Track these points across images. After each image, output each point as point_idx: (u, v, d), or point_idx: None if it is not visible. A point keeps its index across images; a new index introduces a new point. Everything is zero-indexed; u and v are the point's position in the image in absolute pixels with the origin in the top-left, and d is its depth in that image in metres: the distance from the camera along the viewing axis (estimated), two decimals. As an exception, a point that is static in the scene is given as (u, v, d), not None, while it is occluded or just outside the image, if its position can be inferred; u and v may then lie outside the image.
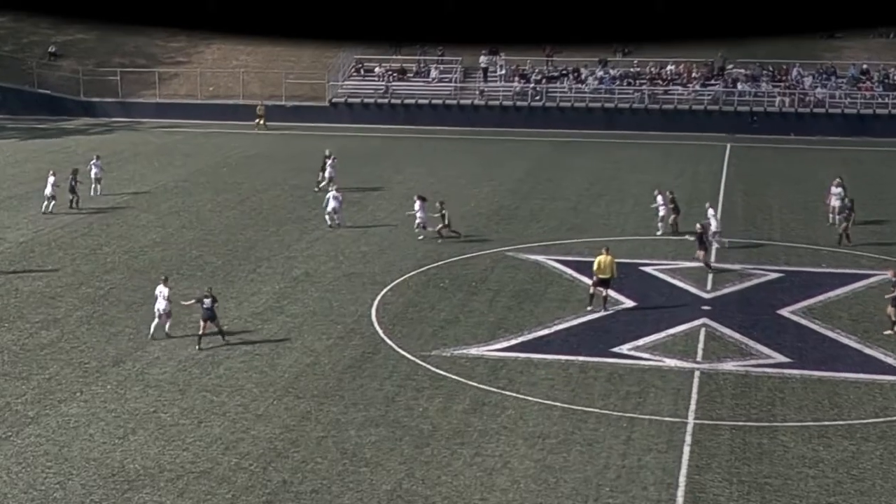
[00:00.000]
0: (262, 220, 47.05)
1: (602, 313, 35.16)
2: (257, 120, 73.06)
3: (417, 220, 44.37)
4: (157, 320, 33.00)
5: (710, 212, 43.82)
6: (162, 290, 33.23)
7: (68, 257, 41.83)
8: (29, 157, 62.97)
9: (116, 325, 34.13)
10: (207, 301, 32.41)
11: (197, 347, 31.90)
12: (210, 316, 32.23)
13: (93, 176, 52.28)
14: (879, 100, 72.66)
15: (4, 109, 77.50)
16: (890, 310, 33.46)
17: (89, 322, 34.45)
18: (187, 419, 27.15)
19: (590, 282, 37.23)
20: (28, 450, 25.47)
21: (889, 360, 31.31)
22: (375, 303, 36.33)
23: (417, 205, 44.70)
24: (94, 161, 52.93)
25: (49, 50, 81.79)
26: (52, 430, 26.48)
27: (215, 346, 32.12)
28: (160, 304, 33.00)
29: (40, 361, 31.04)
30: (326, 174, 52.42)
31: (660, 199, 45.89)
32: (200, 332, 32.18)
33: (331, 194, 46.74)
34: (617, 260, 40.48)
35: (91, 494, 23.33)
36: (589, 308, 35.43)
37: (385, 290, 37.65)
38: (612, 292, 37.06)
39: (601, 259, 35.87)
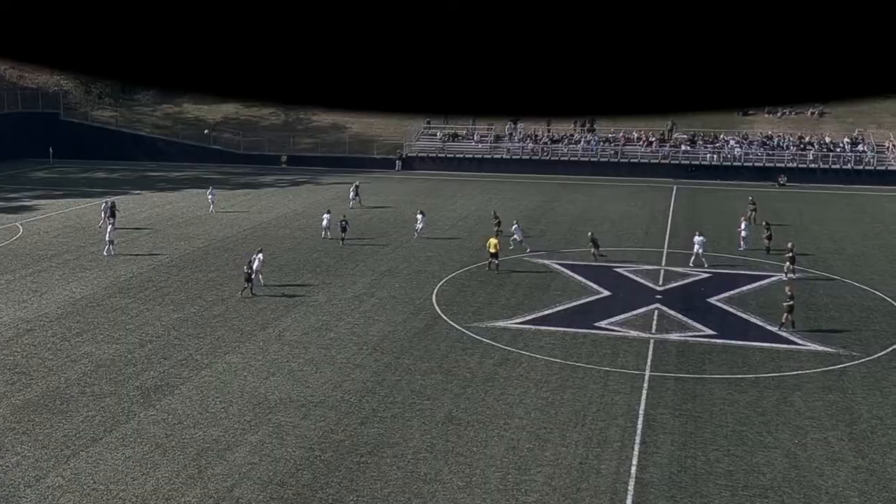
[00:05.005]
0: (359, 234, 47.28)
1: (493, 270, 37.61)
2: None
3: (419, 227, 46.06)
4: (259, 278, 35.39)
5: (515, 226, 43.48)
6: (258, 256, 36.02)
7: (231, 257, 42.22)
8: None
9: (262, 302, 34.37)
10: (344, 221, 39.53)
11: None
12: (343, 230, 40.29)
13: (211, 199, 54.41)
14: (778, 156, 71.80)
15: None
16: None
17: (244, 300, 34.69)
18: (309, 367, 27.35)
19: (579, 278, 37.27)
20: (204, 385, 25.78)
21: (783, 334, 30.97)
22: (435, 291, 36.39)
23: (420, 217, 46.51)
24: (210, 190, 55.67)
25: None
26: (220, 373, 26.78)
27: (327, 319, 32.34)
28: (255, 265, 35.37)
29: (212, 326, 31.39)
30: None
31: (515, 226, 43.17)
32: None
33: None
34: (598, 263, 40.63)
35: (244, 415, 23.58)
36: (487, 269, 38.07)
37: (441, 282, 37.72)
38: (592, 284, 37.06)
39: (490, 240, 39.10)
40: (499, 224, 45.21)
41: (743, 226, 44.17)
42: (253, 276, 35.33)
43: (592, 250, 41.16)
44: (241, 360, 27.88)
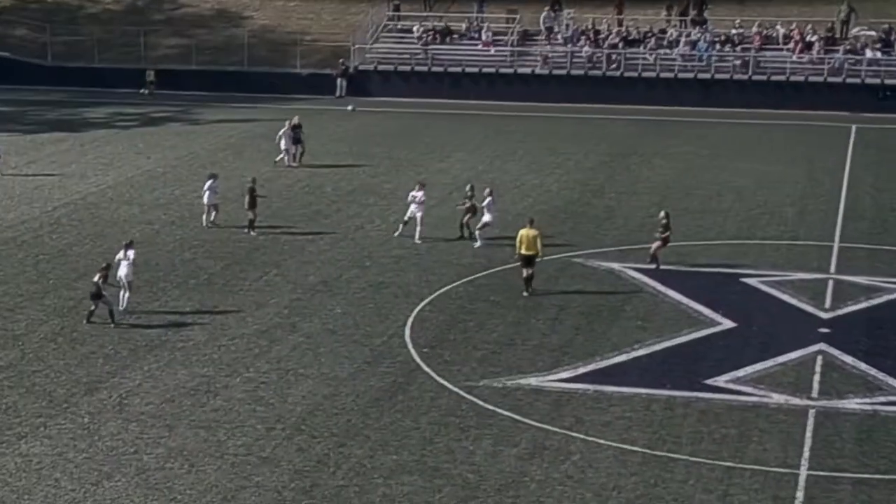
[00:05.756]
0: (270, 215, 47.15)
1: (528, 295, 38.40)
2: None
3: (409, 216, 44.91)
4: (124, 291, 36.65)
5: (488, 199, 44.11)
6: (128, 255, 36.70)
7: (31, 259, 42.13)
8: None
9: (90, 343, 34.31)
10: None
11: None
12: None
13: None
14: None
15: None
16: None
17: (56, 340, 34.60)
18: (176, 462, 27.21)
19: (676, 295, 37.50)
20: (-20, 497, 25.64)
21: None
22: (410, 320, 36.37)
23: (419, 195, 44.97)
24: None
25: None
26: (10, 474, 26.58)
27: (209, 373, 32.32)
28: (122, 271, 36.17)
29: (-4, 388, 31.29)
30: None
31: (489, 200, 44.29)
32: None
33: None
34: (712, 269, 40.80)
35: (56, 554, 23.47)
36: (525, 294, 38.54)
37: (422, 304, 37.69)
38: (706, 310, 37.06)
39: (523, 233, 38.74)
40: (471, 200, 44.40)
41: None
42: (105, 293, 35.72)
43: (655, 244, 41.08)
44: (49, 451, 27.70)
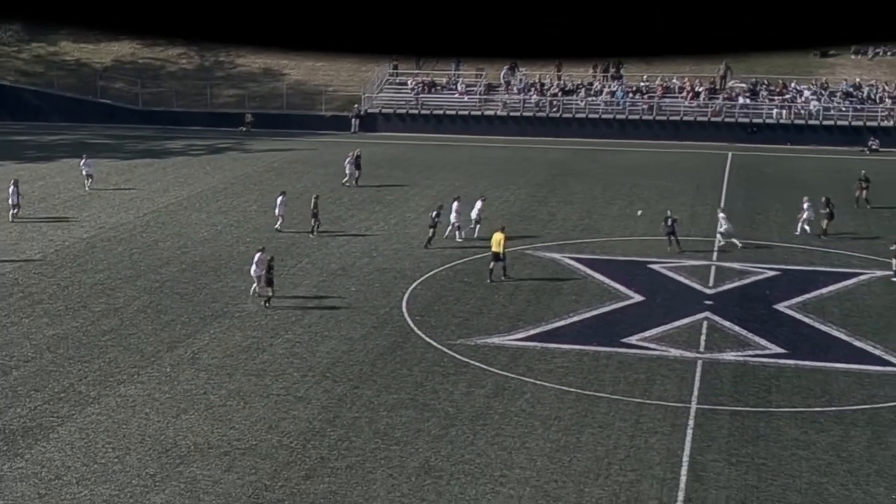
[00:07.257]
0: (303, 219, 47.16)
1: (504, 280, 37.40)
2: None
3: (452, 221, 43.54)
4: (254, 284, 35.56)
5: (453, 206, 43.66)
6: (255, 257, 35.86)
7: (127, 252, 42.13)
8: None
9: (170, 313, 34.37)
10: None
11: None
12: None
13: (84, 173, 54.62)
14: (869, 112, 72.24)
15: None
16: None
17: (146, 311, 34.69)
18: (234, 400, 27.32)
19: (601, 277, 37.56)
20: (90, 427, 25.69)
21: (876, 353, 31.19)
22: (406, 296, 36.41)
23: (455, 206, 43.76)
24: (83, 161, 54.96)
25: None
26: (112, 409, 26.70)
27: (258, 335, 32.36)
28: (253, 269, 35.48)
29: (101, 347, 31.30)
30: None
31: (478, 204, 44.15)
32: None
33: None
34: (627, 258, 40.95)
35: (146, 468, 23.52)
36: (488, 281, 37.41)
37: (414, 285, 37.74)
38: (619, 285, 37.22)
39: (495, 236, 37.93)
40: (439, 214, 42.94)
41: (805, 206, 44.95)
42: (267, 281, 35.27)
43: (670, 238, 41.55)
44: (140, 393, 27.80)
